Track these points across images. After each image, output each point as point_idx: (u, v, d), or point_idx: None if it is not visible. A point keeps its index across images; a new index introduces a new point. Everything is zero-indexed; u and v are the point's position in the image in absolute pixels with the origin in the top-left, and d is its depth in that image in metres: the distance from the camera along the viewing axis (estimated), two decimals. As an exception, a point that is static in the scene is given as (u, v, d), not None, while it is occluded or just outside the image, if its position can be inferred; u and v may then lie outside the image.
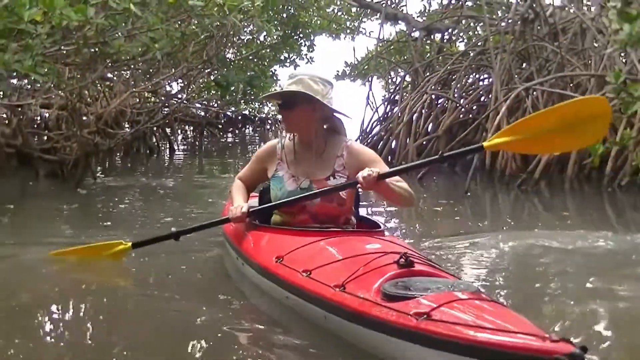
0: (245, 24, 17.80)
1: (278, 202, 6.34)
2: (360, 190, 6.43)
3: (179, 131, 28.62)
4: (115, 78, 20.50)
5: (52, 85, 17.03)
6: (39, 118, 19.09)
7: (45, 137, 18.35)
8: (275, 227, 6.37)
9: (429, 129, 18.45)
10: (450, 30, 21.66)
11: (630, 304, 7.06)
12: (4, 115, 17.77)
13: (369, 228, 6.73)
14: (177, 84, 23.44)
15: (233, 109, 31.39)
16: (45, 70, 14.09)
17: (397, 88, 23.44)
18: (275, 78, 27.28)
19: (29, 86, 18.22)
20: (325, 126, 6.39)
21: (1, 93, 17.57)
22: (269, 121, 36.47)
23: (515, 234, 10.07)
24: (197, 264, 8.11)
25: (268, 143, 6.75)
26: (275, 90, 25.06)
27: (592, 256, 9.33)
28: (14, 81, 17.38)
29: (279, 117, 5.98)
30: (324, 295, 5.11)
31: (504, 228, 10.58)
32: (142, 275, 7.72)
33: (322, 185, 6.16)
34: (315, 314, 5.32)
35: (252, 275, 6.63)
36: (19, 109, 17.96)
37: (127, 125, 20.76)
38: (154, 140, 24.45)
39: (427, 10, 22.67)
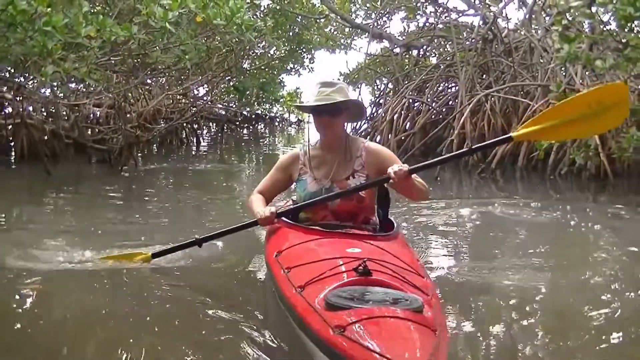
0: (259, 40, 17.86)
1: (303, 203, 5.72)
2: (388, 185, 5.56)
3: (204, 127, 28.56)
4: (153, 83, 20.56)
5: (103, 88, 17.16)
6: (91, 115, 19.14)
7: (97, 130, 18.47)
8: (293, 224, 5.65)
9: (407, 127, 18.47)
10: (424, 47, 21.67)
11: (562, 259, 7.23)
12: (64, 113, 17.87)
13: (386, 230, 5.86)
14: (203, 88, 23.58)
15: (248, 109, 31.37)
16: (97, 76, 14.19)
17: (381, 93, 23.53)
18: (282, 84, 27.38)
19: (84, 89, 18.35)
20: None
21: (62, 94, 17.68)
22: (277, 119, 36.39)
23: (474, 205, 10.23)
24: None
25: (289, 153, 6.05)
26: (294, 95, 25.11)
27: (535, 223, 9.66)
28: (72, 85, 17.57)
29: (310, 122, 5.06)
30: (286, 295, 4.66)
31: (466, 202, 10.70)
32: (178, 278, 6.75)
33: (343, 185, 5.56)
34: (283, 312, 4.78)
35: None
36: (76, 108, 18.13)
37: (162, 121, 20.79)
38: (184, 134, 24.47)
39: (406, 31, 22.67)
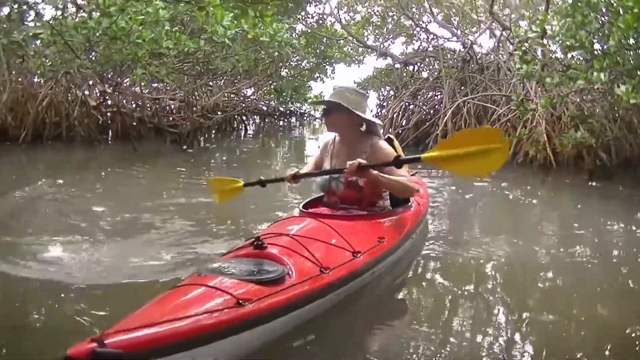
0: (294, 54, 17.91)
1: (310, 172, 5.37)
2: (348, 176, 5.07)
3: (250, 119, 28.53)
4: (213, 84, 20.65)
5: (176, 87, 17.30)
6: (168, 106, 19.25)
7: (171, 118, 18.57)
8: (303, 211, 5.27)
9: (403, 123, 18.38)
10: (418, 64, 21.62)
11: (514, 225, 7.29)
12: (148, 104, 18.00)
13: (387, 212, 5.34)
14: (250, 89, 23.64)
15: (284, 106, 31.33)
16: (173, 77, 14.31)
17: (385, 98, 23.52)
18: (310, 88, 27.37)
19: (163, 87, 18.50)
20: (362, 128, 5.34)
21: (147, 90, 17.82)
22: (305, 115, 36.25)
23: (450, 182, 10.30)
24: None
25: (324, 141, 5.73)
26: (318, 98, 25.18)
27: (496, 197, 9.83)
28: (155, 84, 17.69)
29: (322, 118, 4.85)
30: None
31: (442, 179, 10.75)
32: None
33: (347, 176, 5.04)
34: None
35: None
36: (157, 100, 18.28)
37: (219, 113, 20.85)
38: (235, 123, 24.47)
39: (404, 52, 22.63)
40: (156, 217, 6.76)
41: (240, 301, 3.23)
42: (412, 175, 7.97)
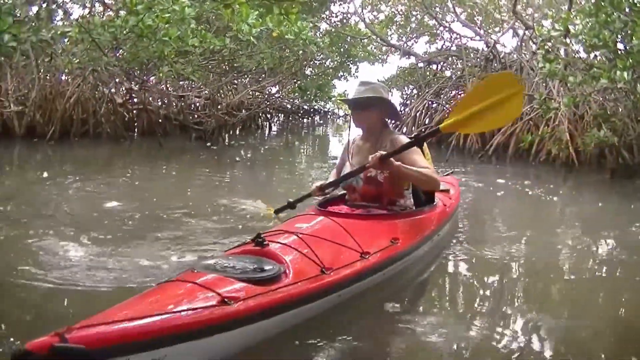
0: (318, 53, 17.93)
1: (333, 180, 5.20)
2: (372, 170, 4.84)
3: (275, 116, 28.58)
4: (238, 82, 20.72)
5: (202, 84, 17.38)
6: (193, 104, 19.34)
7: (196, 115, 18.67)
8: (322, 209, 5.01)
9: (426, 122, 18.44)
10: (441, 63, 21.59)
11: (538, 221, 7.26)
12: (174, 101, 18.11)
13: (409, 212, 5.13)
14: (275, 87, 23.65)
15: (308, 104, 31.36)
16: (198, 75, 14.39)
17: (408, 96, 23.53)
18: (334, 87, 27.40)
19: (189, 84, 18.59)
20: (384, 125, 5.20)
21: (172, 88, 17.93)
22: (329, 113, 36.23)
23: (474, 179, 10.28)
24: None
25: (346, 142, 5.51)
26: (347, 95, 25.03)
27: (519, 193, 9.78)
28: (181, 82, 17.79)
29: (349, 115, 4.50)
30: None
31: (467, 175, 10.72)
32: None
33: (367, 171, 4.86)
34: None
35: None
36: (182, 98, 18.36)
37: (243, 111, 20.91)
38: (259, 121, 24.58)
39: (428, 51, 22.62)
40: (177, 214, 6.71)
41: (226, 300, 3.11)
42: (447, 175, 7.93)
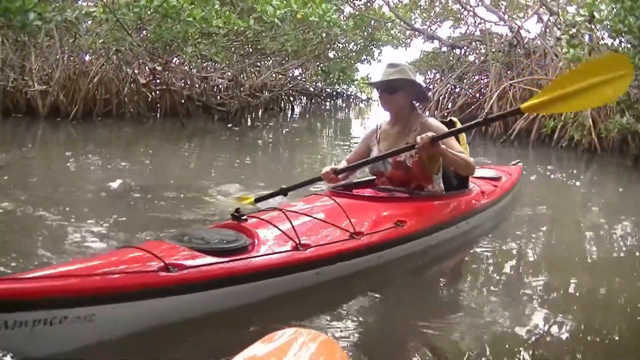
0: (342, 36, 17.93)
1: (355, 163, 5.06)
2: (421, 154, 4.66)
3: (297, 99, 28.59)
4: (261, 63, 20.75)
5: (225, 65, 17.40)
6: (216, 85, 19.40)
7: (219, 97, 18.74)
8: (340, 190, 4.91)
9: (449, 106, 18.41)
10: (465, 48, 21.53)
11: (560, 208, 7.22)
12: (197, 82, 18.17)
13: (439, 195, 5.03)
14: (298, 70, 23.67)
15: (330, 87, 31.35)
16: (222, 56, 14.41)
17: (431, 81, 23.52)
18: (357, 70, 27.39)
19: (212, 65, 18.62)
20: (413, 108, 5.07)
21: (196, 69, 17.98)
22: (352, 97, 36.21)
23: (496, 163, 10.17)
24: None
25: (370, 129, 5.35)
26: (370, 79, 24.94)
27: (541, 177, 9.58)
28: (204, 63, 17.85)
29: (371, 99, 4.32)
30: None
31: (490, 158, 10.65)
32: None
33: (396, 155, 4.81)
34: None
35: None
36: (205, 79, 18.39)
37: (266, 93, 20.93)
38: (282, 103, 24.65)
39: (451, 35, 22.57)
40: (192, 194, 6.70)
41: (169, 267, 3.11)
42: (514, 164, 7.79)
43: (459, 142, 4.97)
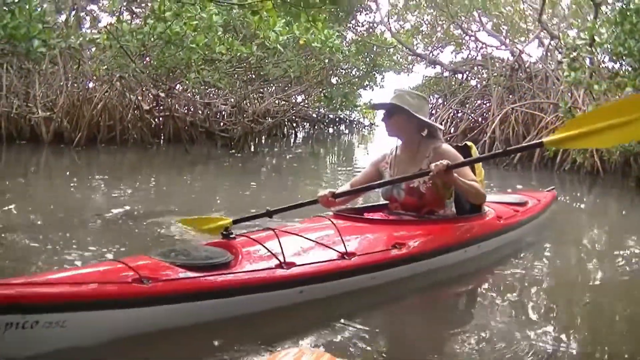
0: (344, 62, 17.99)
1: (356, 188, 5.02)
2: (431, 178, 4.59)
3: (300, 125, 28.62)
4: (264, 89, 20.81)
5: (228, 91, 17.46)
6: (219, 111, 19.45)
7: (222, 123, 18.79)
8: (346, 213, 4.97)
9: (451, 130, 18.44)
10: (467, 72, 21.60)
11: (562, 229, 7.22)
12: (200, 109, 18.26)
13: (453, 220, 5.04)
14: (301, 96, 23.70)
15: (333, 113, 31.38)
16: (225, 82, 14.48)
17: (433, 105, 23.55)
18: (359, 96, 27.40)
19: (215, 92, 18.71)
20: (423, 133, 5.06)
21: (199, 95, 18.05)
22: (355, 122, 36.22)
23: (498, 185, 10.17)
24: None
25: (382, 155, 5.33)
26: (372, 102, 24.98)
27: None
28: (208, 90, 17.94)
29: (374, 125, 4.35)
30: None
31: (492, 182, 10.60)
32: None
33: (409, 182, 4.86)
34: None
35: None
36: (208, 105, 18.47)
37: (269, 119, 20.97)
38: (285, 129, 24.68)
39: (453, 60, 22.63)
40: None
41: (143, 279, 3.24)
42: (549, 190, 7.65)
43: (473, 169, 5.03)
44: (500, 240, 5.57)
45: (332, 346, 3.42)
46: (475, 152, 5.40)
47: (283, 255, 3.81)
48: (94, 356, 3.10)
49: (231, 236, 4.04)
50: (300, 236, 4.18)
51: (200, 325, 3.43)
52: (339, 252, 4.08)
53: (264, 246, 3.89)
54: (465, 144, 5.53)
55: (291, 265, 3.81)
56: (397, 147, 5.20)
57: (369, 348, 3.46)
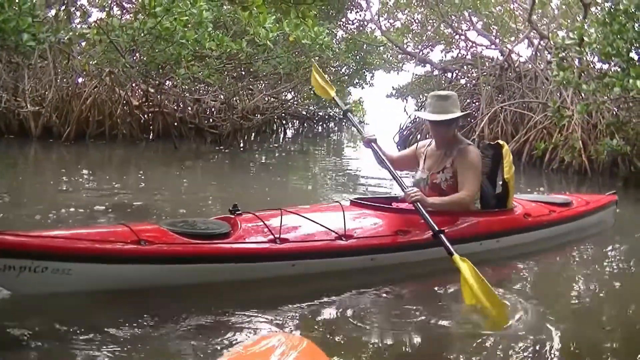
0: (334, 60, 18.01)
1: (384, 158, 5.12)
2: None
3: (290, 122, 28.65)
4: (254, 86, 20.79)
5: (218, 88, 17.44)
6: (209, 107, 19.44)
7: (211, 119, 18.78)
8: (362, 201, 5.16)
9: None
10: (457, 71, 21.61)
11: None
12: (189, 105, 18.23)
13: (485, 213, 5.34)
14: (290, 93, 23.70)
15: (323, 111, 31.38)
16: (215, 78, 14.45)
17: (422, 104, 23.58)
18: (349, 94, 27.46)
19: (205, 88, 18.66)
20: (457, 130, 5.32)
21: (188, 91, 18.01)
22: (344, 121, 36.27)
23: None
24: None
25: (423, 141, 5.64)
26: (358, 103, 25.06)
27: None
28: (197, 86, 17.90)
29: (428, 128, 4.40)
30: None
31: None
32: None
33: (434, 177, 5.14)
34: None
35: None
36: (198, 101, 18.44)
37: (259, 115, 20.94)
38: (275, 126, 24.71)
39: (443, 59, 22.65)
40: (186, 215, 6.71)
41: (142, 241, 3.80)
42: (609, 194, 7.44)
43: (502, 168, 5.48)
44: (524, 237, 5.66)
45: (312, 332, 3.53)
46: (507, 151, 5.52)
47: (280, 231, 4.19)
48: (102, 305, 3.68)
49: (237, 212, 4.42)
50: (304, 217, 4.51)
51: (187, 305, 3.79)
52: (337, 234, 4.38)
53: (263, 222, 4.26)
54: (498, 142, 5.71)
55: (285, 240, 4.19)
56: (428, 140, 5.58)
57: (353, 335, 3.55)
